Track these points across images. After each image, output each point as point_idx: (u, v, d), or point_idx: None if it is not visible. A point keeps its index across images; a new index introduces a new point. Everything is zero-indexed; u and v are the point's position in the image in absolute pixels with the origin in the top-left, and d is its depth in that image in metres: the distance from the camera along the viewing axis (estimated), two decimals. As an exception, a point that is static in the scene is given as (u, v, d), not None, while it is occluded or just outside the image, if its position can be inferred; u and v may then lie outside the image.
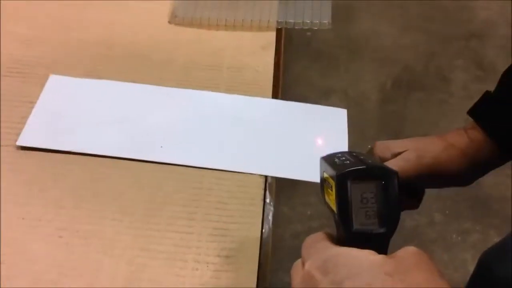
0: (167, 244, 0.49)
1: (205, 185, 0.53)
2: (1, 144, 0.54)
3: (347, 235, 0.39)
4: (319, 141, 0.58)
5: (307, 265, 0.38)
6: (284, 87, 1.32)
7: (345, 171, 0.40)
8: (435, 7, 2.23)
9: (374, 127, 1.82)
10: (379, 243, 0.38)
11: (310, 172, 0.54)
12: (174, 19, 0.69)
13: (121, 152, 0.54)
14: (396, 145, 0.56)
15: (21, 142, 0.54)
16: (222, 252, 0.48)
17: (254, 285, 0.46)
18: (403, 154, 0.55)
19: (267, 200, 0.54)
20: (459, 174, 0.56)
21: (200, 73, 0.64)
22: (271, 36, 0.69)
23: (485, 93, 0.55)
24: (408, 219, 1.63)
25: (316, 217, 1.62)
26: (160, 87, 0.61)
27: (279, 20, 0.70)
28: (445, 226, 1.63)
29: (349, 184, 0.39)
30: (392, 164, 0.55)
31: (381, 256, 0.36)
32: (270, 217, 0.54)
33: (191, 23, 0.70)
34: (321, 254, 0.38)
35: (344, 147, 0.58)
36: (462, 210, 1.65)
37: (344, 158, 0.42)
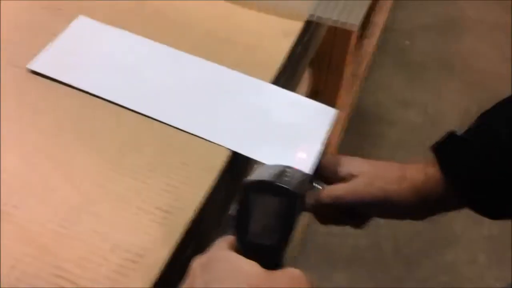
0: (121, 186, 0.53)
1: (175, 145, 0.57)
2: (14, 64, 0.62)
3: (240, 244, 0.42)
4: (294, 132, 0.59)
5: (196, 259, 0.42)
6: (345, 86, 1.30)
7: (252, 181, 0.42)
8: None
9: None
10: (270, 257, 0.41)
11: (275, 157, 0.56)
12: (211, -9, 0.73)
13: (112, 96, 0.59)
14: (350, 164, 0.56)
15: (32, 66, 0.61)
16: (163, 206, 0.52)
17: (172, 247, 0.49)
18: (354, 179, 0.55)
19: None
20: (408, 210, 0.55)
21: (215, 45, 0.68)
22: (297, 25, 0.71)
23: (451, 132, 0.53)
24: (449, 252, 1.58)
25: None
26: (165, 46, 0.65)
27: (311, 13, 0.71)
28: (486, 269, 1.56)
29: (252, 194, 0.41)
30: (338, 187, 0.55)
31: (259, 269, 0.39)
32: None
33: (226, -2, 0.73)
34: (211, 253, 0.42)
35: (317, 146, 0.58)
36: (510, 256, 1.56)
37: (281, 173, 0.44)
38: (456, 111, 1.86)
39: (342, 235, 1.59)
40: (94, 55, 0.64)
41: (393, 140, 1.76)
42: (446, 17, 2.23)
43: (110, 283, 0.48)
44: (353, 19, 0.70)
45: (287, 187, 0.41)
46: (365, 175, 0.55)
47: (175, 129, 0.58)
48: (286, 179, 0.43)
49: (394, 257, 1.57)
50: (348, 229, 1.66)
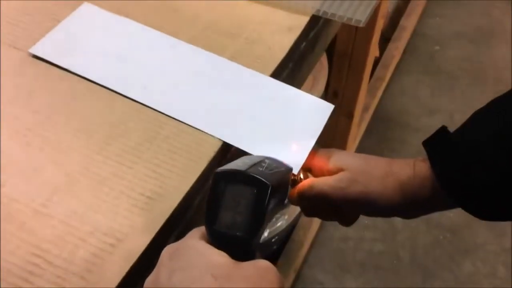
0: (106, 170, 0.54)
1: (165, 132, 0.57)
2: (17, 47, 0.63)
3: (209, 233, 0.41)
4: (289, 125, 0.58)
5: (166, 247, 0.41)
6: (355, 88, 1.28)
7: (223, 170, 0.41)
8: None
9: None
10: (239, 248, 0.40)
11: (267, 151, 0.55)
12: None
13: (107, 82, 0.60)
14: (338, 158, 0.55)
15: (34, 50, 0.62)
16: (146, 192, 0.52)
17: (153, 233, 0.49)
18: (339, 174, 0.54)
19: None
20: (391, 209, 0.53)
21: (216, 36, 0.67)
22: (302, 20, 0.70)
23: (443, 127, 0.51)
24: (468, 264, 1.53)
25: (372, 228, 1.58)
26: (166, 35, 0.65)
27: (317, 8, 0.70)
28: (505, 283, 1.51)
29: (223, 183, 0.40)
30: (323, 180, 0.54)
31: (227, 260, 0.38)
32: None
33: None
34: (181, 242, 0.41)
35: (312, 140, 0.57)
36: (533, 272, 1.51)
37: (257, 163, 0.43)
38: (483, 120, 1.81)
39: (357, 240, 1.56)
40: (95, 41, 0.64)
41: (415, 147, 1.72)
42: (478, 26, 2.18)
43: (86, 265, 0.48)
44: (359, 16, 0.69)
45: (258, 177, 0.40)
46: (351, 170, 0.54)
47: (166, 117, 0.58)
48: (260, 169, 0.42)
49: (410, 265, 1.53)
50: (364, 234, 1.63)
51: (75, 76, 0.61)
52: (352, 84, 1.31)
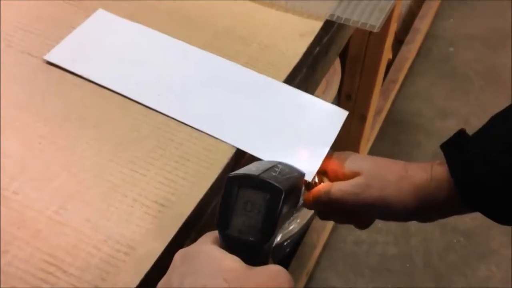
0: (117, 177, 0.53)
1: (178, 139, 0.57)
2: (31, 54, 0.63)
3: (222, 237, 0.41)
4: (302, 133, 0.58)
5: (179, 251, 0.41)
6: (384, 94, 1.28)
7: (236, 174, 0.41)
8: None
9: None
10: (251, 253, 0.40)
11: (281, 157, 0.55)
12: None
13: (123, 89, 0.60)
14: (353, 162, 0.55)
15: (48, 57, 0.62)
16: (160, 200, 0.52)
17: (167, 241, 0.49)
18: (354, 179, 0.53)
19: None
20: (407, 213, 0.52)
21: (229, 42, 0.67)
22: (316, 25, 0.69)
23: (461, 130, 0.51)
24: (483, 268, 1.52)
25: (385, 231, 1.57)
26: (180, 42, 0.65)
27: (331, 13, 0.70)
28: (522, 288, 1.49)
29: (236, 188, 0.40)
30: (339, 186, 0.54)
31: (238, 264, 0.38)
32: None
33: (244, -4, 0.72)
34: (193, 246, 0.41)
35: (326, 147, 0.57)
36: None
37: (271, 169, 0.43)
38: (499, 124, 1.79)
39: (371, 243, 1.55)
40: (109, 48, 0.65)
41: (429, 151, 1.71)
42: (493, 28, 2.15)
43: (100, 273, 0.48)
44: (374, 21, 0.68)
45: (271, 182, 0.40)
46: (365, 175, 0.53)
47: (179, 123, 0.58)
48: (273, 174, 0.42)
49: (424, 270, 1.52)
50: (377, 237, 1.61)
51: (89, 83, 0.61)
52: (365, 87, 1.30)
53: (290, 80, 0.65)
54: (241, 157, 0.58)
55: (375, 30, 0.68)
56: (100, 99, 0.60)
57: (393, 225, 1.58)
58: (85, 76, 0.61)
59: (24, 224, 0.50)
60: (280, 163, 0.46)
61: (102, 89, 0.61)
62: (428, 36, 2.05)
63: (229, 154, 0.56)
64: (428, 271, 1.51)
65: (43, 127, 0.57)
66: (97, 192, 0.52)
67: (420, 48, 1.98)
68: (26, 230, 0.49)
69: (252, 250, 0.39)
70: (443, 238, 1.58)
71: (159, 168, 0.54)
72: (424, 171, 0.52)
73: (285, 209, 0.40)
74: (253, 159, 0.57)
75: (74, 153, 0.55)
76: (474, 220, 1.58)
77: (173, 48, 0.65)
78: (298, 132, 0.58)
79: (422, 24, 1.88)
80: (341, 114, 0.60)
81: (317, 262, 1.48)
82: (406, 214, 0.53)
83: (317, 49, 0.71)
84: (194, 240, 0.53)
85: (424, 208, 0.52)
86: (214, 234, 0.42)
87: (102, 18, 0.67)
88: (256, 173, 0.40)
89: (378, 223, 1.58)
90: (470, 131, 0.50)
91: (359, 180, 0.53)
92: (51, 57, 0.62)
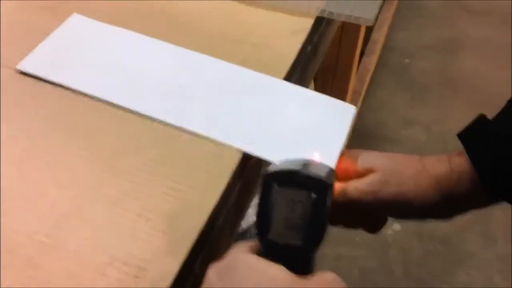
0: (117, 189, 0.47)
1: (178, 146, 0.51)
2: (3, 64, 0.56)
3: (262, 244, 0.35)
4: (312, 131, 0.54)
5: (212, 266, 0.36)
6: (353, 100, 1.26)
7: (274, 171, 0.36)
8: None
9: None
10: (298, 260, 0.34)
11: (290, 157, 0.50)
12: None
13: (110, 96, 0.54)
14: (366, 159, 0.51)
15: (21, 66, 0.56)
16: (167, 212, 0.46)
17: (181, 258, 0.43)
18: (369, 176, 0.50)
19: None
20: (428, 209, 0.49)
21: (221, 43, 0.62)
22: (307, 22, 0.66)
23: (481, 116, 0.48)
24: (462, 273, 1.51)
25: (363, 245, 1.54)
26: (170, 44, 0.60)
27: (322, 9, 0.67)
28: (505, 291, 1.48)
29: (275, 186, 0.35)
30: (354, 185, 0.50)
31: (289, 274, 0.33)
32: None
33: (230, -3, 0.68)
34: (229, 258, 0.36)
35: (339, 146, 0.53)
36: (528, 277, 1.49)
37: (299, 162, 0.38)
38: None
39: (351, 258, 1.52)
40: (90, 53, 0.59)
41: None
42: (446, 38, 2.21)
43: (107, 301, 0.41)
44: (368, 14, 0.65)
45: (317, 176, 0.35)
46: (381, 171, 0.50)
47: (177, 129, 0.53)
48: (312, 169, 0.37)
49: (405, 279, 1.49)
50: (356, 252, 1.58)
51: (69, 92, 0.55)
52: (337, 97, 1.28)
53: (287, 79, 0.60)
54: (247, 161, 0.53)
55: (370, 24, 0.65)
56: (85, 108, 0.54)
57: (371, 238, 1.56)
58: (65, 84, 0.55)
59: (13, 251, 0.43)
60: (309, 160, 0.41)
61: (86, 98, 0.55)
62: (384, 47, 2.07)
63: (236, 158, 0.51)
64: (409, 281, 1.49)
65: (25, 142, 0.50)
66: (95, 207, 0.46)
67: (378, 59, 1.99)
68: (16, 258, 0.42)
69: (298, 257, 0.34)
70: (421, 246, 1.57)
71: (162, 177, 0.49)
72: (442, 163, 0.49)
73: (330, 207, 0.36)
74: (260, 163, 0.52)
75: (63, 167, 0.48)
76: (450, 225, 1.58)
77: (163, 51, 0.60)
78: (307, 131, 0.54)
79: (380, 36, 1.89)
80: (349, 110, 0.56)
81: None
82: (425, 209, 0.50)
83: (309, 47, 0.68)
84: (207, 254, 0.47)
85: (446, 202, 0.49)
86: (247, 243, 0.37)
87: (78, 22, 0.61)
88: (296, 168, 0.36)
89: (356, 238, 1.55)
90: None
91: (375, 177, 0.50)
92: (24, 66, 0.56)
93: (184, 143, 0.51)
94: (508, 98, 0.49)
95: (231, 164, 0.50)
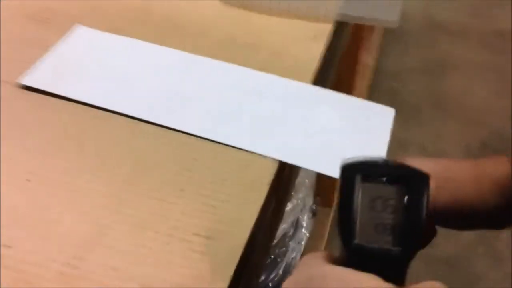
0: (142, 210, 0.41)
1: (203, 158, 0.46)
2: (3, 79, 0.50)
3: (346, 251, 0.29)
4: (352, 137, 0.49)
5: (289, 281, 0.30)
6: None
7: (354, 162, 0.31)
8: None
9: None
10: (391, 268, 0.29)
11: (331, 165, 0.45)
12: (225, -2, 0.64)
13: (121, 108, 0.48)
14: (415, 166, 0.46)
15: (24, 80, 0.50)
16: (203, 232, 0.40)
17: (227, 283, 0.37)
18: None
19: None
20: (489, 215, 0.44)
21: (234, 50, 0.58)
22: (325, 28, 0.62)
23: None
24: None
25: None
26: (182, 52, 0.55)
27: (340, 13, 0.63)
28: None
29: (357, 181, 0.30)
30: None
31: (386, 286, 0.27)
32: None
33: (242, 4, 0.64)
34: (309, 271, 0.30)
35: (382, 151, 0.48)
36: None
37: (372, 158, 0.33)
38: (457, 148, 1.79)
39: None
40: (96, 64, 0.53)
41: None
42: (429, 59, 2.22)
43: (141, 338, 0.34)
44: (391, 16, 0.61)
45: (412, 167, 0.30)
46: (433, 177, 0.45)
47: (199, 139, 0.47)
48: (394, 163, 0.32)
49: (415, 306, 1.43)
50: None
51: (77, 105, 0.49)
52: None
53: (313, 85, 0.56)
54: (281, 172, 0.47)
55: (394, 26, 0.61)
56: (96, 121, 0.48)
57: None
58: (72, 97, 0.49)
59: (29, 284, 0.36)
60: (379, 156, 0.36)
61: (95, 110, 0.49)
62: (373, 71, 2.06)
63: (272, 169, 0.45)
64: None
65: (31, 162, 0.44)
66: (119, 231, 0.40)
67: (370, 82, 1.98)
68: (32, 292, 0.36)
69: (392, 264, 0.29)
70: (424, 268, 1.51)
71: (192, 193, 0.43)
72: (503, 166, 0.45)
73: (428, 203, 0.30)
74: (295, 172, 0.47)
75: (78, 187, 0.42)
76: (456, 246, 1.53)
77: (175, 59, 0.55)
78: (347, 137, 0.49)
79: (368, 58, 1.88)
80: (389, 113, 0.51)
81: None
82: (489, 216, 0.45)
83: (327, 53, 0.63)
84: (249, 275, 0.41)
85: (508, 207, 0.44)
86: (321, 253, 0.31)
87: (81, 33, 0.56)
88: (380, 159, 0.30)
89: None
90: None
91: None
92: (28, 80, 0.50)
93: (208, 155, 0.46)
94: (496, 112, 0.45)
95: (268, 175, 0.45)
